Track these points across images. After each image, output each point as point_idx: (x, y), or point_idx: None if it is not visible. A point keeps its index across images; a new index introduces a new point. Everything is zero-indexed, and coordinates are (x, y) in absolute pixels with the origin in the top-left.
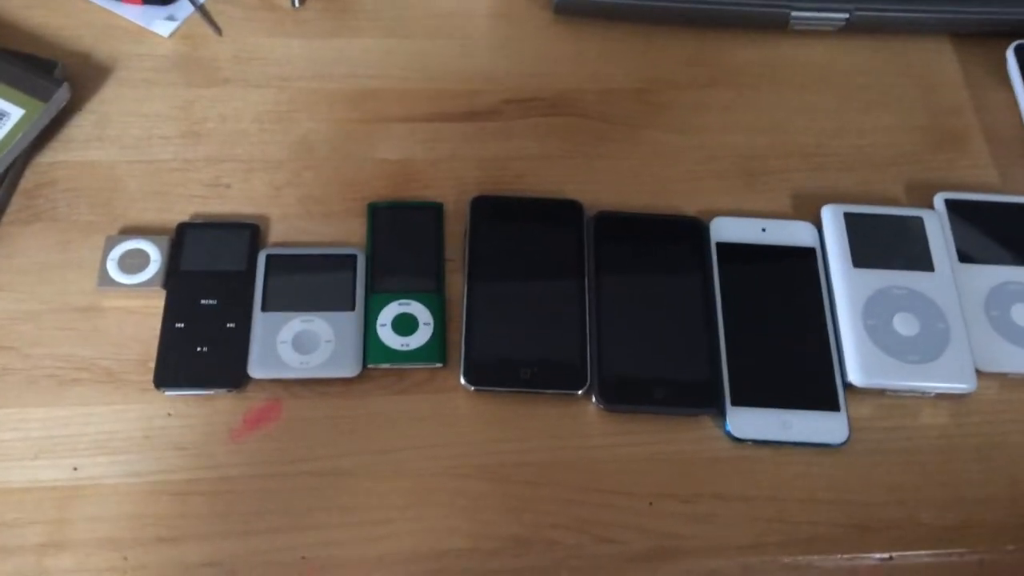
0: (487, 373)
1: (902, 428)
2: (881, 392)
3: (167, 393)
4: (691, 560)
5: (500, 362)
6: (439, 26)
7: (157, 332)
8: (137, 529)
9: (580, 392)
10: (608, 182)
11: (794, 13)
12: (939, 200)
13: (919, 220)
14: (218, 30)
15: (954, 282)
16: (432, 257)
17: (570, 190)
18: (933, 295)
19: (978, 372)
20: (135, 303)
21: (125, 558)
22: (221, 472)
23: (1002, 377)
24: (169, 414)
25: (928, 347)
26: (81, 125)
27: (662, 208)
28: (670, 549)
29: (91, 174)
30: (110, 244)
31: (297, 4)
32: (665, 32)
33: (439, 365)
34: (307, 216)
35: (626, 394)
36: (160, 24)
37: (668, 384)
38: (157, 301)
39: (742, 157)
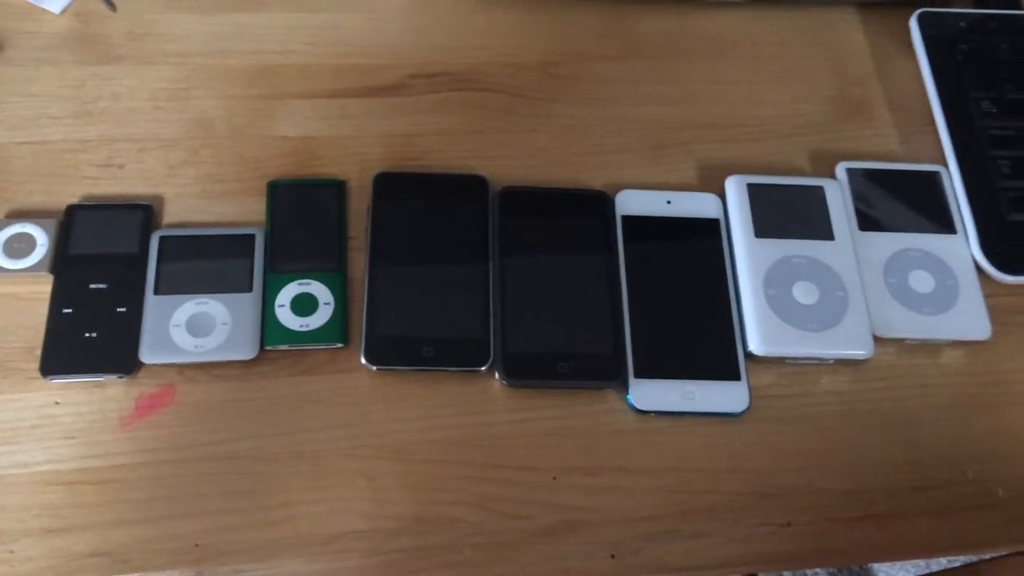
0: (388, 352)
1: (802, 395)
2: (781, 360)
3: (54, 380)
4: (593, 532)
5: (402, 340)
6: (349, 1)
7: (44, 318)
8: (24, 520)
9: (483, 369)
10: (515, 157)
11: None
12: (840, 169)
13: (820, 189)
14: (112, 6)
15: (853, 250)
16: (333, 236)
17: (477, 166)
18: (832, 263)
19: (876, 338)
20: (22, 288)
21: (11, 551)
22: (112, 460)
23: (899, 343)
24: (57, 402)
25: (827, 315)
26: None
27: (569, 182)
28: (573, 522)
29: None
30: None
31: None
32: (576, 5)
33: (340, 345)
34: (204, 196)
35: (530, 369)
36: (51, 1)
37: (572, 358)
38: (44, 286)
39: (650, 130)
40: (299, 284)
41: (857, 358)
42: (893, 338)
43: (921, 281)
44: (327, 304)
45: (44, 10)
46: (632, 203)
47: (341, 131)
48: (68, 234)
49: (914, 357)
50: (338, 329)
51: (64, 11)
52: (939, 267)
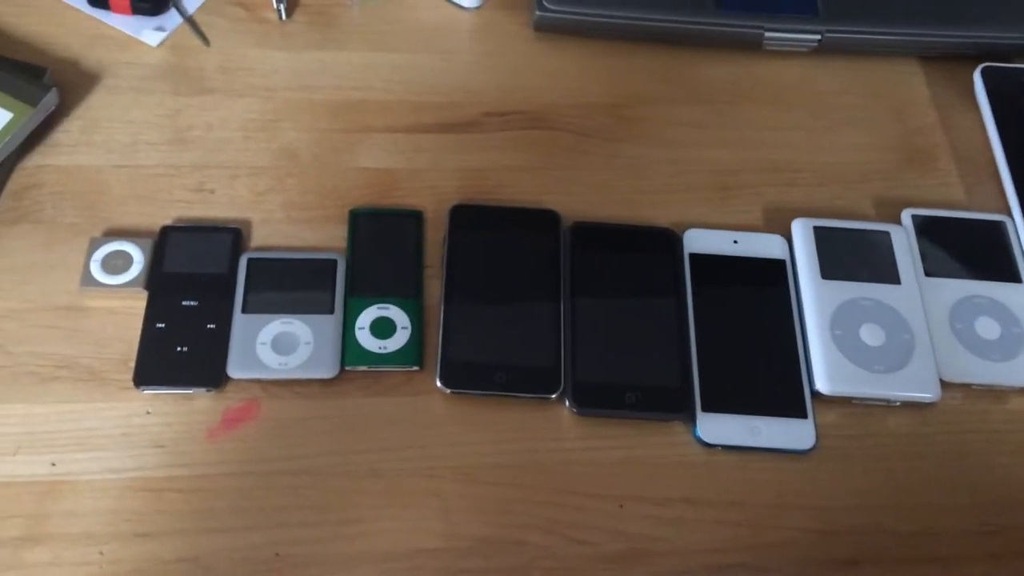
0: (463, 376)
1: (867, 436)
2: (847, 400)
3: (146, 391)
4: (660, 561)
5: (475, 366)
6: (422, 41)
7: (138, 332)
8: (114, 524)
9: (553, 396)
10: (583, 194)
11: (767, 34)
12: (906, 216)
13: (886, 234)
14: (206, 41)
15: (920, 295)
16: (411, 263)
17: (547, 201)
18: (899, 307)
19: (942, 382)
20: (117, 303)
21: (101, 552)
22: (198, 470)
23: (966, 388)
24: (148, 412)
25: (894, 357)
26: (68, 130)
27: (636, 220)
28: (640, 551)
29: (77, 178)
30: (94, 245)
31: (284, 17)
32: (641, 49)
33: (416, 368)
34: (289, 221)
35: (599, 399)
36: (149, 34)
37: (640, 390)
38: (139, 302)
39: (714, 172)
40: (378, 308)
41: (924, 401)
42: (959, 383)
43: (987, 328)
44: (404, 328)
45: (142, 43)
46: (699, 241)
47: (418, 164)
48: (162, 253)
49: (980, 403)
50: (414, 352)
51: (160, 44)
52: (1005, 315)
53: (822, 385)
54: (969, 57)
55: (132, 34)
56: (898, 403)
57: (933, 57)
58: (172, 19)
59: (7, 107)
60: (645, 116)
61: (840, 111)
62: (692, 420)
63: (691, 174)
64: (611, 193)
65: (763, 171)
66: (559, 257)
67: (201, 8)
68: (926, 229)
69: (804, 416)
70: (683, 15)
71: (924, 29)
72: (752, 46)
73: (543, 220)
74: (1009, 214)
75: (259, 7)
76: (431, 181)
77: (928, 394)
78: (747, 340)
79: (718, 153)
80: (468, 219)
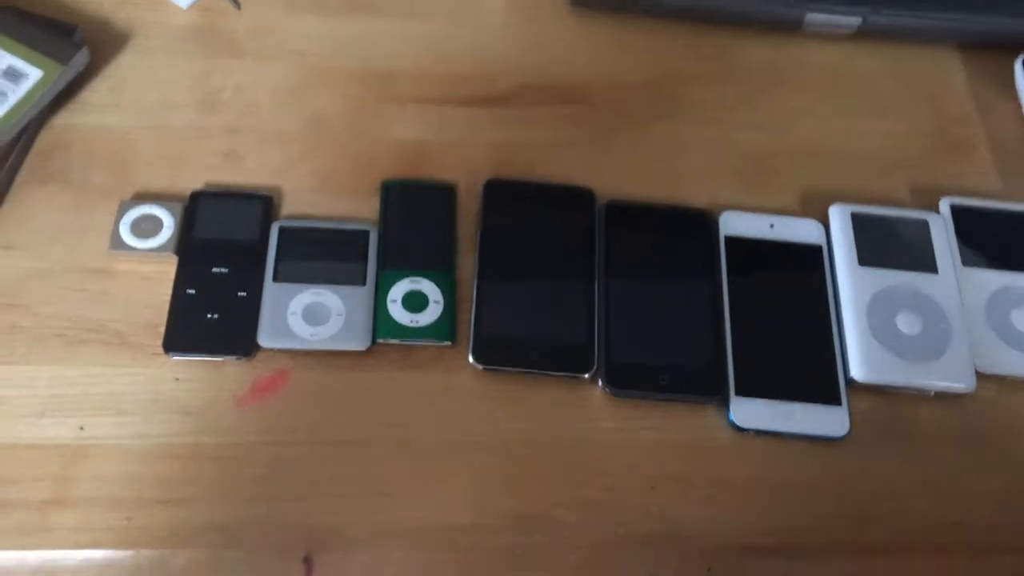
0: (496, 353)
1: (901, 424)
2: (882, 389)
3: (175, 358)
4: (690, 543)
5: (509, 342)
6: (456, 11)
7: (167, 297)
8: (141, 490)
9: (587, 376)
10: (618, 172)
11: (809, 15)
12: (944, 204)
13: (924, 222)
14: (237, 4)
15: (957, 285)
16: (444, 237)
17: (580, 179)
18: (936, 296)
19: (978, 374)
20: (147, 268)
21: (128, 518)
22: (227, 438)
23: (1001, 379)
24: (177, 379)
25: (930, 346)
26: (98, 90)
27: (671, 200)
28: (670, 533)
29: (106, 138)
30: (123, 209)
31: None
32: (679, 27)
33: (448, 343)
34: (320, 191)
35: (632, 379)
36: None
37: (673, 371)
38: (169, 267)
39: (751, 154)
40: (411, 281)
41: (959, 392)
42: (995, 374)
43: None
44: (437, 302)
45: (172, 3)
46: (736, 224)
47: (451, 137)
48: (193, 219)
49: (1015, 395)
50: (447, 327)
51: (191, 5)
52: None
53: (857, 372)
54: (1010, 46)
55: None
56: (932, 393)
57: (973, 46)
58: None
59: (37, 64)
60: (682, 95)
61: (878, 97)
62: (725, 404)
63: (727, 156)
64: (646, 172)
65: (800, 155)
66: (593, 235)
67: None
68: (964, 218)
69: (838, 403)
70: None
71: (965, 15)
72: (792, 28)
73: (578, 198)
74: None
75: None
76: (464, 154)
77: (963, 385)
78: (782, 325)
79: (755, 135)
80: (502, 194)
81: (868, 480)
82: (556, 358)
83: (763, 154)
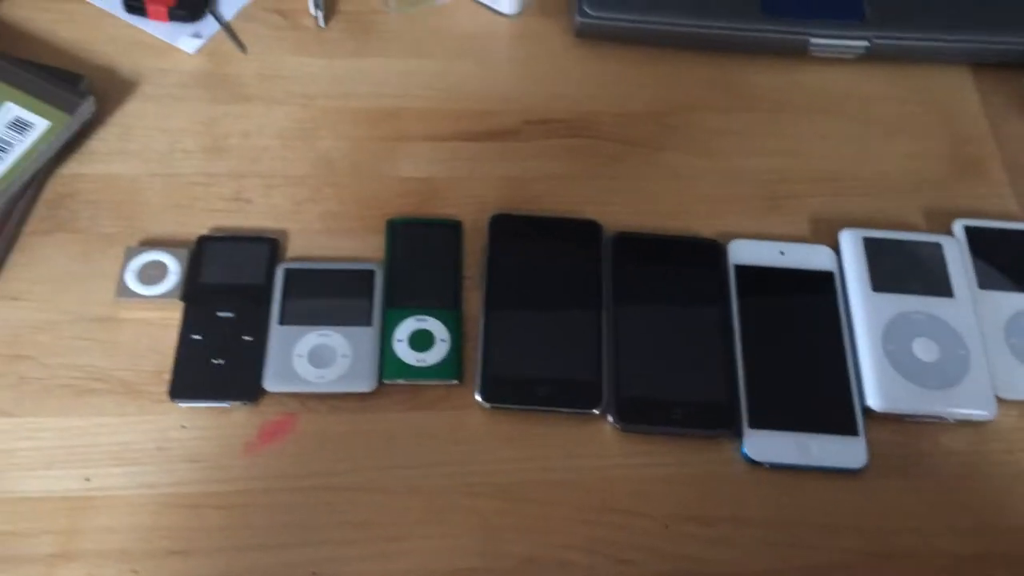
0: (503, 390)
1: (921, 454)
2: (900, 417)
3: (182, 405)
4: None
5: (516, 380)
6: (460, 48)
7: (174, 344)
8: (148, 541)
9: (596, 411)
10: (626, 203)
11: (813, 40)
12: (958, 226)
13: (938, 246)
14: (243, 48)
15: (974, 309)
16: (450, 274)
17: (588, 211)
18: (953, 321)
19: (998, 400)
20: (153, 314)
21: (135, 571)
22: (234, 485)
23: (1022, 405)
24: (183, 426)
25: (948, 373)
26: (105, 138)
27: (680, 231)
28: (685, 572)
29: (113, 186)
30: (129, 255)
31: (322, 24)
32: (684, 56)
33: (455, 382)
34: (327, 231)
35: (642, 414)
36: (185, 41)
37: (685, 404)
38: (175, 313)
39: (760, 181)
40: (417, 320)
41: (979, 419)
42: (1016, 400)
43: None
44: (443, 341)
45: (179, 50)
46: (745, 253)
47: (458, 173)
48: (199, 264)
49: None
50: (454, 366)
51: (197, 51)
52: None
53: (874, 401)
54: (1022, 65)
55: (169, 41)
56: (952, 421)
57: (984, 64)
58: (209, 26)
59: (44, 115)
60: (689, 124)
61: (888, 119)
62: (739, 437)
63: (736, 184)
64: (654, 203)
65: (810, 180)
66: (601, 268)
67: (238, 15)
68: (979, 240)
69: (855, 433)
70: (727, 21)
71: (975, 35)
72: (798, 53)
73: (585, 230)
74: None
75: (297, 14)
76: (471, 190)
77: (984, 412)
78: (795, 355)
79: (764, 162)
80: (508, 229)
81: (889, 514)
82: (565, 394)
83: (772, 181)
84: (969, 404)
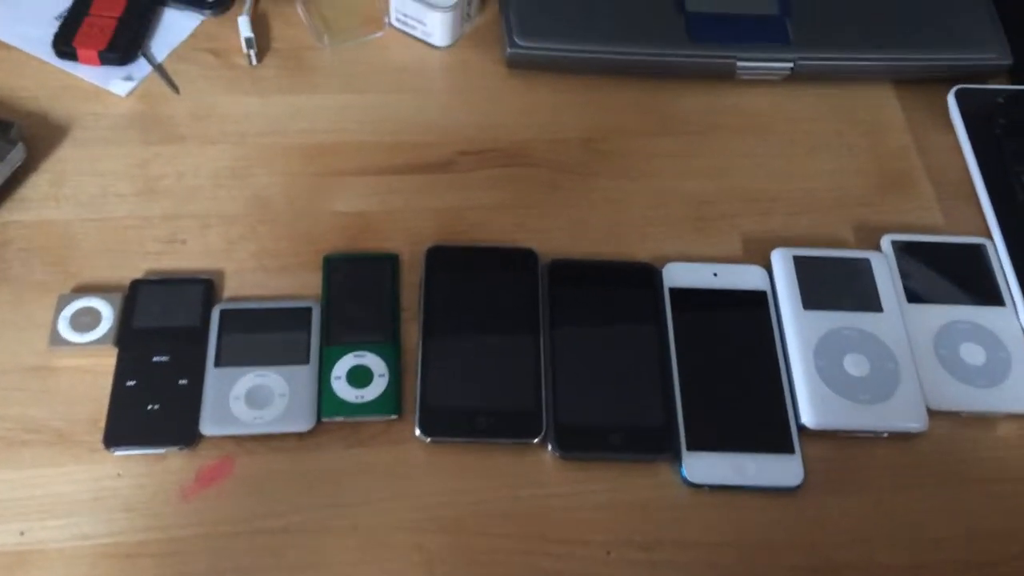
0: (442, 423)
1: (856, 469)
2: (835, 433)
3: (117, 453)
4: None
5: (455, 412)
6: (395, 81)
7: (108, 391)
8: None
9: (536, 440)
10: (561, 230)
11: (740, 63)
12: (886, 242)
13: (867, 262)
14: (176, 88)
15: (903, 322)
16: (387, 308)
17: (524, 239)
18: (882, 335)
19: (930, 411)
20: (87, 362)
21: None
22: (171, 533)
23: (954, 416)
24: (119, 475)
25: (879, 387)
26: (37, 184)
27: (615, 255)
28: None
29: (46, 233)
30: (62, 303)
31: (254, 62)
32: (614, 82)
33: (394, 417)
34: (262, 270)
35: (581, 441)
36: (117, 84)
37: (623, 430)
38: (110, 359)
39: (692, 203)
40: (355, 356)
41: (912, 431)
42: (947, 411)
43: (973, 354)
44: (381, 376)
45: (111, 93)
46: (679, 275)
47: (393, 206)
48: (132, 308)
49: (969, 430)
50: (392, 401)
51: (129, 94)
52: (990, 339)
53: (808, 419)
54: (943, 80)
55: (100, 84)
56: (886, 434)
57: (906, 81)
58: (141, 68)
59: None
60: (621, 149)
61: (815, 137)
62: (678, 460)
63: (669, 206)
64: (589, 228)
65: (741, 200)
66: (538, 296)
67: (171, 56)
68: (906, 255)
69: (791, 451)
70: (655, 47)
71: (896, 53)
72: (725, 76)
73: (521, 259)
74: (989, 236)
75: (230, 53)
76: (406, 223)
77: (916, 424)
78: (731, 375)
79: (695, 184)
80: (444, 260)
81: (828, 529)
82: (504, 424)
83: (704, 202)
84: (901, 417)
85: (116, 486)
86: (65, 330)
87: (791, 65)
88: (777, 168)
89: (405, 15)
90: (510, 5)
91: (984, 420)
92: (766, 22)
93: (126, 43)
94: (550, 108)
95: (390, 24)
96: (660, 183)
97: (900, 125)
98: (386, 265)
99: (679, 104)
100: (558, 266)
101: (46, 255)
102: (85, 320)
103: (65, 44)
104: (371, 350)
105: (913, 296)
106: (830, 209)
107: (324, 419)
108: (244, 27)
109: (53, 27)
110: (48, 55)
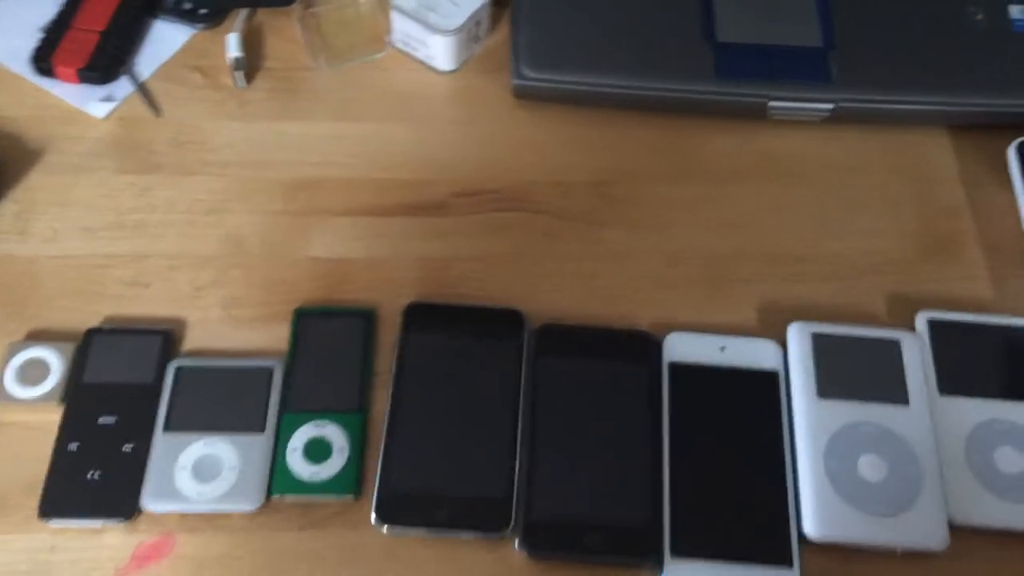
0: (401, 511)
1: None
2: (841, 546)
3: (52, 524)
4: None
5: (416, 498)
6: (393, 108)
7: (50, 452)
8: None
9: (504, 534)
10: (559, 287)
11: (772, 103)
12: (921, 320)
13: (896, 344)
14: (157, 111)
15: (931, 418)
16: (356, 372)
17: (517, 295)
18: (906, 433)
19: (952, 524)
20: (32, 418)
21: None
22: None
23: (979, 532)
24: (53, 548)
25: (896, 496)
26: (3, 215)
27: (616, 317)
28: None
29: (7, 271)
30: (12, 351)
31: (242, 84)
32: (630, 119)
33: (351, 497)
34: (228, 320)
35: (553, 540)
36: (95, 105)
37: (602, 529)
38: (55, 415)
39: (708, 261)
40: (315, 426)
41: (929, 550)
42: (972, 526)
43: (1009, 460)
44: (341, 450)
45: (89, 114)
46: (682, 348)
47: (377, 253)
48: (84, 361)
49: (995, 550)
50: (350, 479)
51: (108, 115)
52: None
53: (810, 528)
54: (1004, 126)
55: (78, 106)
56: (899, 551)
57: (964, 126)
58: (122, 87)
59: None
60: (633, 196)
61: (853, 190)
62: (660, 566)
63: (681, 265)
64: (590, 286)
65: (762, 262)
66: (520, 367)
67: (156, 74)
68: (944, 336)
69: (788, 564)
70: (677, 82)
71: (952, 97)
72: (755, 116)
73: (506, 321)
74: None
75: (218, 72)
76: (390, 272)
77: (934, 543)
78: (728, 470)
79: (713, 240)
80: (423, 320)
81: None
82: (469, 515)
83: (721, 261)
84: (918, 534)
85: (50, 560)
86: (11, 383)
87: (832, 106)
88: (807, 225)
89: (408, 36)
90: (520, 31)
91: (1017, 539)
92: (806, 55)
93: (107, 60)
94: (559, 145)
95: (392, 45)
96: (674, 237)
97: (952, 178)
98: (361, 322)
99: (701, 146)
100: (547, 332)
101: (5, 295)
102: (33, 373)
103: (43, 60)
104: (334, 420)
105: (947, 387)
106: (863, 275)
107: (274, 496)
108: (232, 47)
109: (36, 40)
110: (26, 71)
